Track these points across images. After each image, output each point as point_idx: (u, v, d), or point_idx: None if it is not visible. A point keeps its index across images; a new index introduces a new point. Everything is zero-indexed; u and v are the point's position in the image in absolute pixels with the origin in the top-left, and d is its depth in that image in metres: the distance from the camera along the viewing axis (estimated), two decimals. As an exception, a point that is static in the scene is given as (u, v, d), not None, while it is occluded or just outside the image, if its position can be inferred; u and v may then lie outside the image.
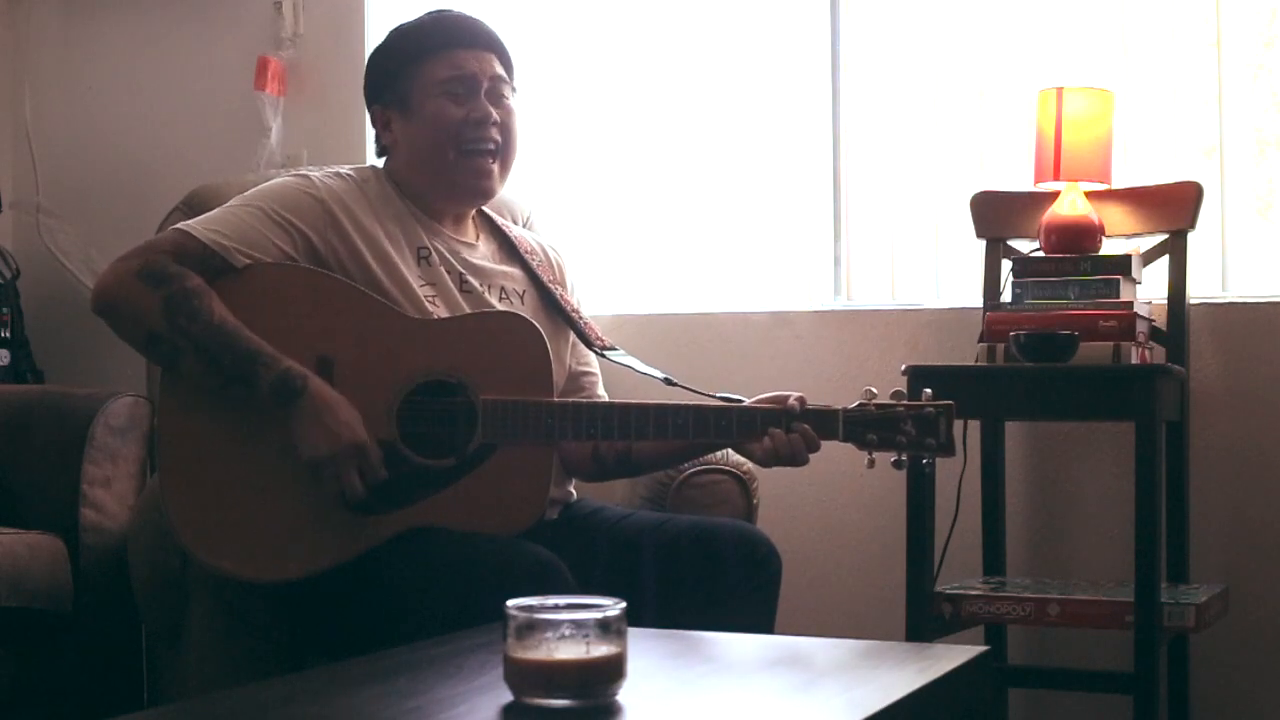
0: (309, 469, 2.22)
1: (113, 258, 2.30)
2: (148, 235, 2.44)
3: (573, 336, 2.52)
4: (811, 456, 2.27)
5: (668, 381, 2.42)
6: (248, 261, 2.28)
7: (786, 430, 2.25)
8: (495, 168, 2.44)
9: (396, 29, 2.50)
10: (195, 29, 3.82)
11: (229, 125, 3.72)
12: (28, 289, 3.76)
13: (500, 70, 2.45)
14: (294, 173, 2.45)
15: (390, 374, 2.27)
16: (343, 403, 2.23)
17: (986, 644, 2.82)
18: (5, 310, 3.67)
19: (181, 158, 3.76)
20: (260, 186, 2.41)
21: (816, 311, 3.34)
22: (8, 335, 3.66)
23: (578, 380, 2.54)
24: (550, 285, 2.51)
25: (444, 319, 2.34)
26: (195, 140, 3.78)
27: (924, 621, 2.73)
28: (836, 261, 3.37)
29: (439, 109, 2.40)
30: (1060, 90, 2.91)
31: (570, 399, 2.41)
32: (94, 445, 2.99)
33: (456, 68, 2.41)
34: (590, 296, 2.68)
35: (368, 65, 2.51)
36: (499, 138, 2.43)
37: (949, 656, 1.77)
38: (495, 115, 2.42)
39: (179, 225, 2.32)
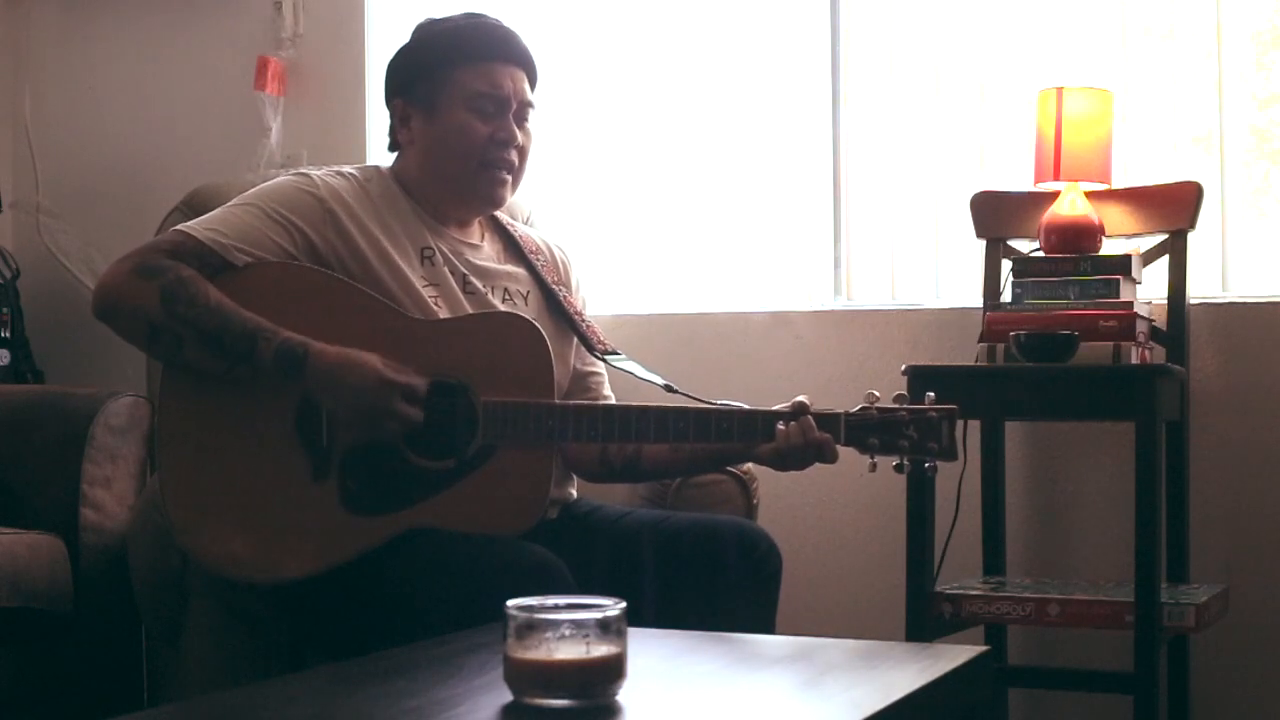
0: (359, 425, 2.21)
1: (113, 258, 2.30)
2: (148, 235, 2.45)
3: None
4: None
5: (668, 388, 2.42)
6: (247, 260, 2.28)
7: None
8: (509, 183, 2.45)
9: (430, 26, 2.47)
10: (195, 29, 3.82)
11: (229, 125, 3.72)
12: (28, 289, 3.76)
13: (529, 94, 2.45)
14: (295, 171, 2.45)
15: (390, 374, 2.27)
16: (348, 353, 2.22)
17: (986, 644, 2.82)
18: (5, 310, 3.67)
19: (181, 158, 3.76)
20: (260, 186, 2.40)
21: (816, 311, 3.34)
22: (8, 335, 3.66)
23: (584, 380, 2.54)
24: (554, 286, 2.50)
25: (445, 319, 2.34)
26: (195, 140, 3.78)
27: (924, 621, 2.73)
28: (836, 262, 3.37)
29: (466, 122, 2.40)
30: (1060, 90, 2.91)
31: (571, 401, 2.41)
32: (94, 445, 2.99)
33: (493, 85, 2.40)
34: (590, 296, 2.68)
35: (396, 57, 2.48)
36: (517, 159, 2.44)
37: (949, 656, 1.77)
38: (519, 138, 2.43)
39: (178, 226, 2.32)
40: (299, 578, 2.24)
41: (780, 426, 2.23)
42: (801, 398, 2.26)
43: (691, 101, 3.50)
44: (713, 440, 2.28)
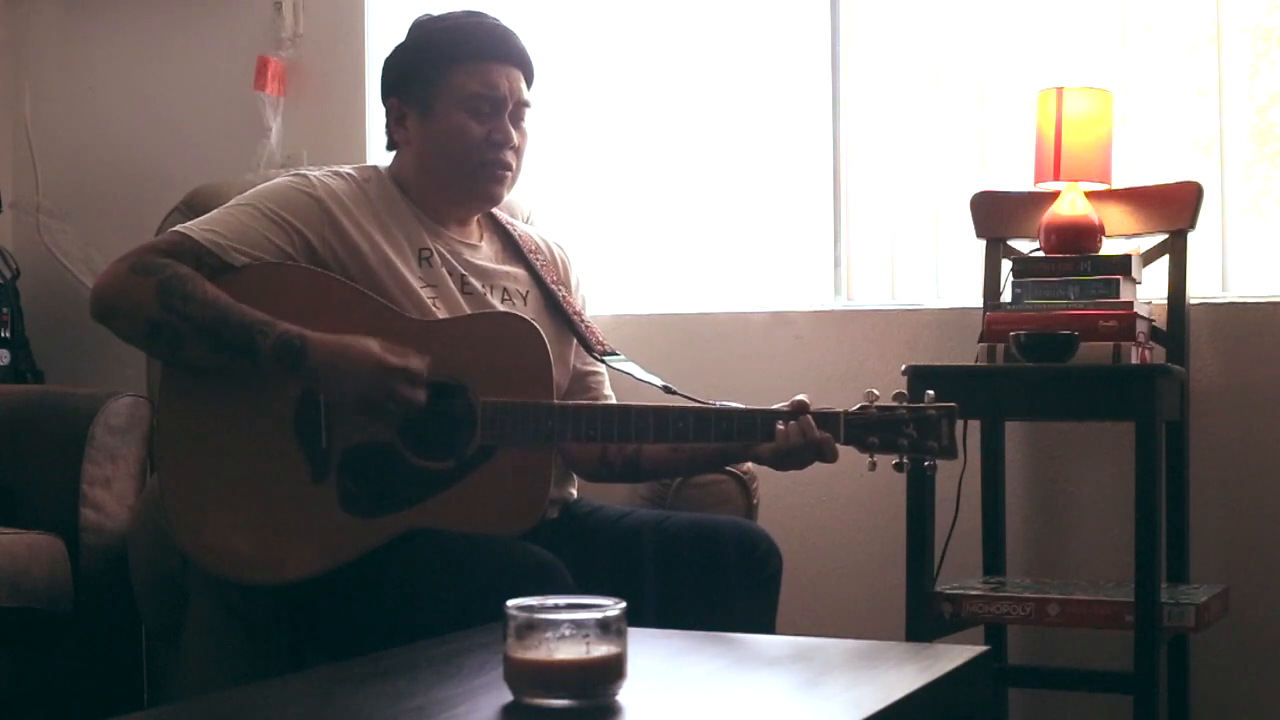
0: (364, 411, 2.22)
1: (113, 258, 2.30)
2: (148, 236, 2.45)
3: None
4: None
5: (667, 389, 2.41)
6: (245, 260, 2.28)
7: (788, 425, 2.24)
8: (506, 180, 2.44)
9: (426, 24, 2.46)
10: (195, 29, 3.82)
11: (229, 125, 3.72)
12: (28, 289, 3.76)
13: (525, 93, 2.45)
14: (293, 172, 2.44)
15: (389, 375, 2.26)
16: (345, 340, 2.22)
17: (986, 644, 2.82)
18: (5, 310, 3.67)
19: (181, 158, 3.76)
20: (259, 187, 2.40)
21: (816, 311, 3.34)
22: (8, 335, 3.66)
23: (584, 380, 2.54)
24: (554, 286, 2.50)
25: (443, 320, 2.33)
26: (195, 140, 3.78)
27: (924, 621, 2.73)
28: (836, 262, 3.37)
29: (462, 123, 2.39)
30: (1060, 90, 2.91)
31: (571, 401, 2.41)
32: (94, 445, 2.99)
33: (489, 85, 2.40)
34: (590, 296, 2.69)
35: (391, 56, 2.47)
36: (513, 160, 2.43)
37: (949, 656, 1.77)
38: (515, 138, 2.42)
39: (175, 227, 2.32)
40: (299, 579, 2.24)
41: (780, 426, 2.23)
42: (801, 396, 2.26)
43: (691, 101, 3.50)
44: (712, 440, 2.27)
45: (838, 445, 2.23)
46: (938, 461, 2.24)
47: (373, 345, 2.22)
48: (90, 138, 3.93)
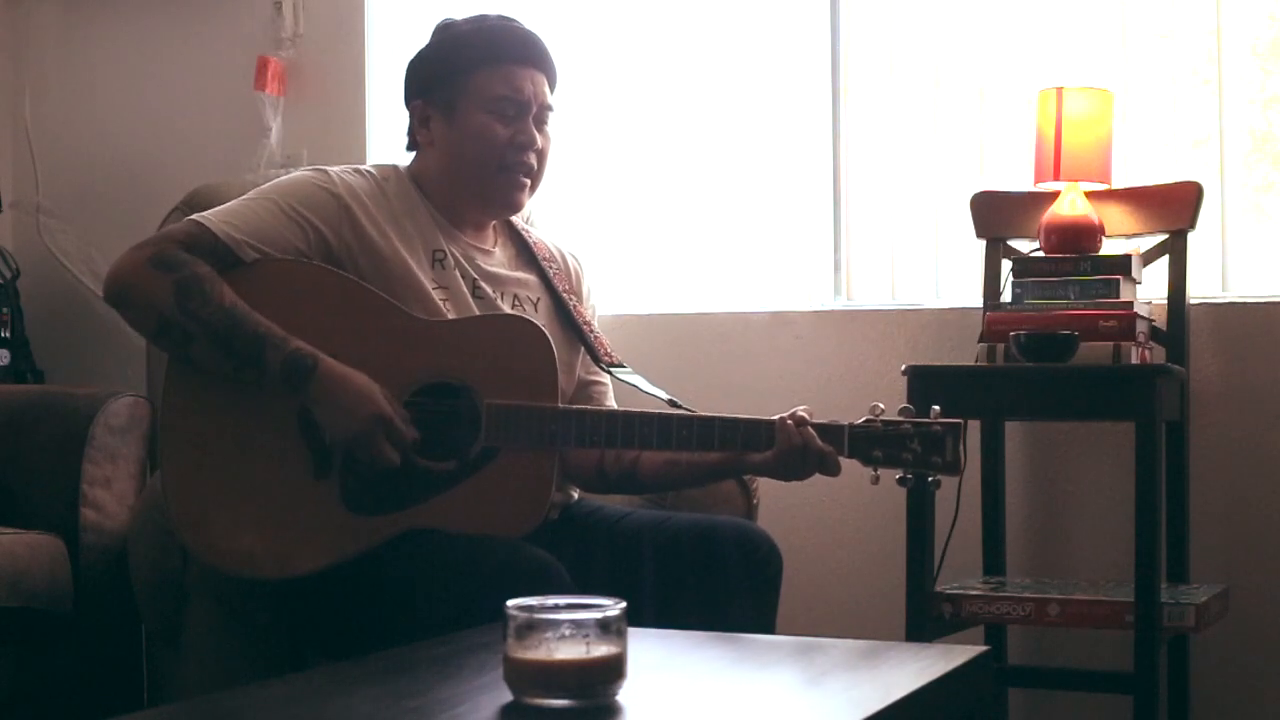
0: (342, 452, 2.22)
1: (117, 255, 2.29)
2: (147, 235, 2.44)
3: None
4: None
5: (672, 404, 2.40)
6: (257, 256, 2.28)
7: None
8: (527, 187, 2.44)
9: (450, 28, 2.46)
10: (195, 29, 3.82)
11: (229, 125, 3.72)
12: (28, 289, 3.76)
13: (549, 96, 2.45)
14: (313, 167, 2.44)
15: (394, 374, 2.26)
16: (354, 376, 2.22)
17: (986, 644, 2.82)
18: (5, 310, 3.67)
19: (181, 158, 3.75)
20: (279, 180, 2.40)
21: (816, 311, 3.34)
22: (8, 335, 3.66)
23: (587, 389, 2.53)
24: (565, 295, 2.50)
25: (451, 320, 2.33)
26: (195, 140, 3.78)
27: (924, 621, 2.73)
28: (836, 262, 3.37)
29: (486, 125, 2.39)
30: (1060, 90, 2.91)
31: (575, 406, 2.40)
32: (94, 445, 2.99)
33: (513, 88, 2.40)
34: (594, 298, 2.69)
35: (415, 59, 2.47)
36: (535, 164, 2.43)
37: (949, 656, 1.77)
38: (539, 141, 2.42)
39: (193, 216, 2.31)
40: (300, 575, 2.24)
41: (785, 424, 2.22)
42: (802, 410, 2.25)
43: (692, 102, 3.50)
44: (715, 447, 2.26)
45: (840, 458, 2.23)
46: (941, 477, 2.23)
47: (376, 390, 2.22)
48: (90, 138, 3.93)
